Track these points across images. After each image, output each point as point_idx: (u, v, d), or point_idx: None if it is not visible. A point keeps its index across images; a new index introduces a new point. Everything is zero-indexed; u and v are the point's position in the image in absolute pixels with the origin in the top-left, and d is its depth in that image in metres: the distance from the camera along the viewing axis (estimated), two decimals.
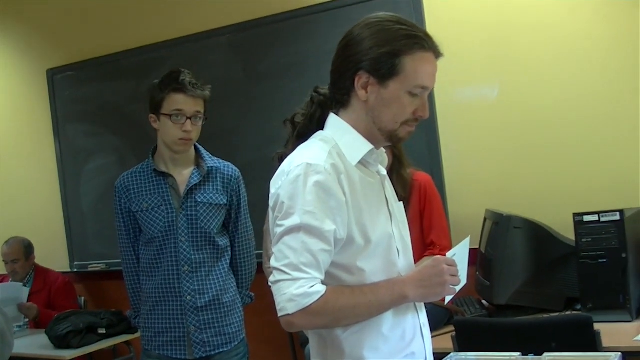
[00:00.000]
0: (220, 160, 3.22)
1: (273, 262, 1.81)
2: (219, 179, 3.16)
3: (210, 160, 3.17)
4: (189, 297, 3.04)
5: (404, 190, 3.46)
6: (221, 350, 3.11)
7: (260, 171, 4.53)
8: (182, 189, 3.08)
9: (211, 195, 3.12)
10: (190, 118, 3.02)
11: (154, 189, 3.10)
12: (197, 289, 3.06)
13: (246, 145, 4.82)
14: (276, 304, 1.78)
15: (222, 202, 3.15)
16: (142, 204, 3.08)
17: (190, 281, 3.05)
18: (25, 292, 5.10)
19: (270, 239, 3.80)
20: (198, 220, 3.07)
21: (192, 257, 3.06)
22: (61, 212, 5.83)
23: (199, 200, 3.08)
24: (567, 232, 3.40)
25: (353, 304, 1.81)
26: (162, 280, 3.06)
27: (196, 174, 3.11)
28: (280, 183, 1.85)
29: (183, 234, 3.05)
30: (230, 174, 3.20)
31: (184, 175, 3.11)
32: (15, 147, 6.13)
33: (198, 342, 3.06)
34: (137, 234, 3.16)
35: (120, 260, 3.26)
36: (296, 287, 1.74)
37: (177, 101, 3.00)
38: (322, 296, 1.75)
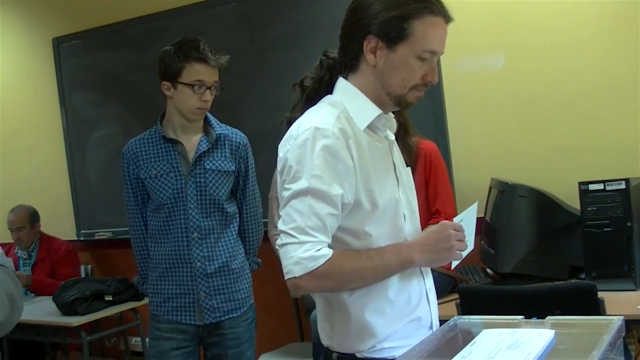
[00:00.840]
0: (229, 127, 3.22)
1: (280, 225, 1.81)
2: (227, 146, 3.16)
3: (219, 127, 3.17)
4: (198, 264, 3.06)
5: (409, 158, 3.45)
6: (230, 315, 3.13)
7: (267, 140, 4.52)
8: (191, 155, 3.09)
9: (220, 162, 3.12)
10: (209, 88, 3.02)
11: (163, 155, 3.09)
12: (207, 256, 3.07)
13: (252, 115, 4.82)
14: (283, 266, 1.79)
15: (230, 169, 3.15)
16: (151, 171, 3.08)
17: (200, 248, 3.06)
18: (9, 261, 5.12)
19: (275, 206, 3.86)
20: (207, 187, 3.07)
21: (201, 224, 3.07)
22: (68, 181, 5.85)
23: (208, 167, 3.08)
24: (572, 201, 3.41)
25: (359, 267, 1.83)
26: (172, 246, 3.08)
27: (205, 141, 3.11)
28: (288, 147, 1.85)
29: (192, 201, 3.06)
30: (238, 140, 3.20)
31: (192, 142, 3.11)
32: (22, 116, 6.14)
33: (208, 308, 3.07)
34: (145, 201, 3.17)
35: (127, 228, 3.26)
36: (303, 250, 1.75)
37: (199, 71, 2.98)
38: (328, 259, 1.76)
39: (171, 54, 3.01)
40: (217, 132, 3.14)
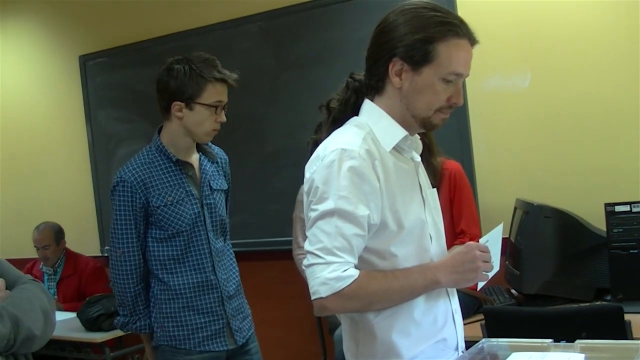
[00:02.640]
0: (213, 145, 3.15)
1: (307, 246, 1.82)
2: (219, 163, 3.12)
3: (212, 145, 3.10)
4: (223, 287, 2.99)
5: (434, 178, 3.44)
6: (250, 332, 3.11)
7: (290, 158, 4.61)
8: (198, 177, 2.99)
9: (219, 181, 3.07)
10: (223, 108, 2.92)
11: (174, 180, 2.93)
12: (226, 278, 3.02)
13: (276, 133, 4.83)
14: (309, 287, 1.80)
15: (224, 187, 3.12)
16: (165, 198, 2.89)
17: (221, 270, 3.00)
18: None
19: (299, 226, 3.86)
20: (216, 208, 3.01)
21: (217, 245, 3.01)
22: (92, 197, 5.89)
23: (214, 187, 3.02)
24: (598, 222, 3.39)
25: (385, 288, 1.83)
26: (196, 274, 2.94)
27: (207, 161, 3.04)
28: (315, 168, 1.86)
29: (209, 224, 2.98)
30: (225, 157, 3.17)
31: (194, 163, 3.01)
32: (48, 133, 6.20)
33: (237, 330, 3.01)
34: (144, 232, 2.96)
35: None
36: (329, 270, 1.76)
37: (220, 92, 2.86)
38: (355, 280, 1.76)
39: (187, 72, 2.83)
40: (215, 151, 3.09)
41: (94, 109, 5.83)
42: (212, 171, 3.04)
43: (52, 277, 5.43)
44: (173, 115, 2.91)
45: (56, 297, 5.34)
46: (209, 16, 5.14)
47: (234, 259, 3.16)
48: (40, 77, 6.23)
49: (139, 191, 2.88)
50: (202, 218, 2.95)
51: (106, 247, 5.61)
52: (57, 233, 5.44)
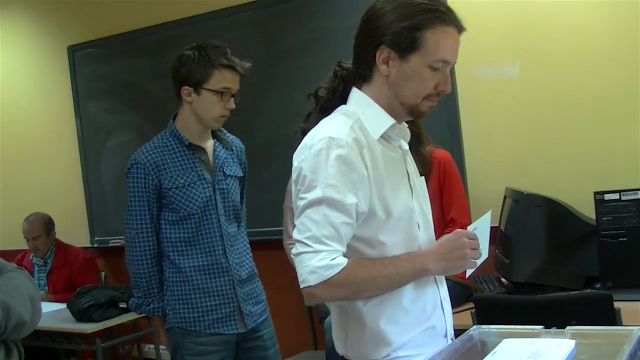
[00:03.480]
0: (229, 133, 3.22)
1: (295, 235, 1.82)
2: (235, 151, 3.17)
3: (227, 133, 3.18)
4: (235, 271, 3.04)
5: (423, 167, 3.44)
6: (263, 317, 3.14)
7: (281, 149, 4.60)
8: (211, 162, 3.05)
9: (234, 167, 3.13)
10: (233, 95, 2.97)
11: (187, 163, 3.00)
12: (238, 262, 3.06)
13: (267, 123, 4.84)
14: (298, 275, 1.80)
15: (240, 175, 3.17)
16: (177, 180, 2.96)
17: (232, 255, 3.05)
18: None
19: (289, 216, 3.86)
20: (229, 194, 3.06)
21: (230, 230, 3.06)
22: (82, 189, 5.88)
23: (227, 173, 3.07)
24: (588, 210, 3.39)
25: (374, 275, 1.83)
26: (206, 256, 3.00)
27: (221, 147, 3.10)
28: (302, 156, 1.87)
29: (220, 209, 3.03)
30: (241, 146, 3.23)
31: (209, 149, 3.08)
32: (37, 124, 6.18)
33: (247, 314, 3.05)
34: (158, 214, 3.04)
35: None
36: (318, 259, 1.76)
37: (227, 78, 2.93)
38: (343, 268, 1.77)
39: (196, 58, 2.91)
40: (230, 139, 3.15)
41: (83, 99, 5.81)
42: (226, 157, 3.10)
43: (43, 268, 5.42)
44: (184, 101, 2.99)
45: (46, 288, 5.34)
46: (199, 6, 5.12)
47: (248, 246, 3.20)
48: (28, 68, 6.20)
49: (152, 173, 2.96)
50: (213, 202, 3.01)
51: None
52: (47, 224, 5.43)
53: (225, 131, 3.18)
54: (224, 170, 3.07)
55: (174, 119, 3.08)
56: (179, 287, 3.02)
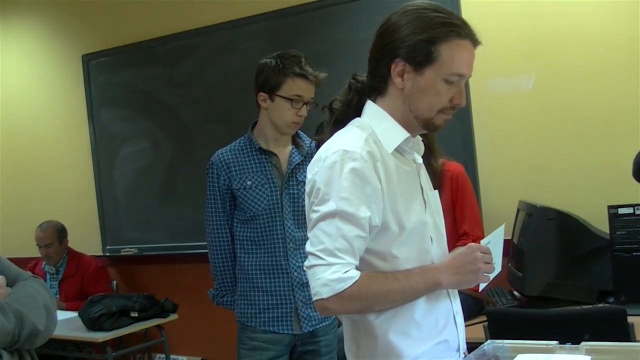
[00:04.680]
0: (308, 139, 3.28)
1: (308, 247, 1.83)
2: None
3: (307, 140, 3.23)
4: (295, 274, 3.08)
5: (434, 180, 3.42)
6: (324, 323, 3.16)
7: None
8: (284, 167, 3.13)
9: None
10: (306, 103, 3.05)
11: (257, 166, 3.12)
12: (301, 266, 3.05)
13: None
14: (310, 288, 1.80)
15: None
16: (245, 182, 3.10)
17: (296, 258, 3.09)
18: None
19: None
20: (300, 199, 3.11)
21: (296, 234, 3.10)
22: (95, 197, 5.88)
23: (300, 179, 3.11)
24: (601, 224, 3.38)
25: (386, 289, 1.82)
26: (268, 257, 3.10)
27: (296, 154, 3.15)
28: (316, 169, 1.87)
29: (287, 212, 3.09)
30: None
31: (284, 154, 3.15)
32: (51, 132, 6.20)
33: (305, 317, 3.09)
34: (231, 212, 3.19)
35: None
36: (331, 272, 1.76)
37: (300, 87, 3.01)
38: (356, 281, 1.76)
39: (272, 66, 3.03)
40: (309, 146, 3.19)
41: (96, 108, 5.83)
42: (303, 165, 3.14)
43: (55, 276, 5.43)
44: (261, 107, 3.11)
45: (58, 296, 5.34)
46: (213, 16, 5.13)
47: None
48: (43, 76, 6.23)
49: (223, 173, 3.13)
50: (279, 205, 3.09)
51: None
52: (60, 232, 5.44)
53: (304, 138, 3.24)
54: (297, 177, 3.13)
55: (253, 126, 3.20)
56: (241, 283, 3.18)
